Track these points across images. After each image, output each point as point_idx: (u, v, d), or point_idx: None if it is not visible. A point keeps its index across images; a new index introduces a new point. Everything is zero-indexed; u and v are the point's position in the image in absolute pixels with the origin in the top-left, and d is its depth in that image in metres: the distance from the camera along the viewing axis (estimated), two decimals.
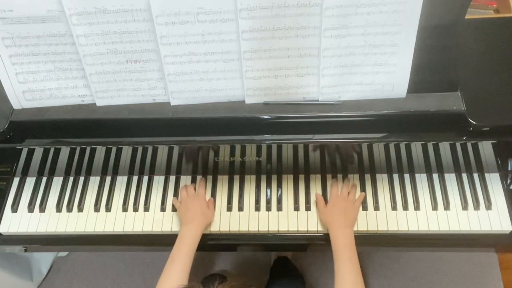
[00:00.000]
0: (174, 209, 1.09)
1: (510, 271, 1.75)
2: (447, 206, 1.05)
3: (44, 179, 1.14)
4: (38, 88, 0.92)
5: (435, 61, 0.90)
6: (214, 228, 1.07)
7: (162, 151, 1.08)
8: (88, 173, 1.14)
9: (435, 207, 1.05)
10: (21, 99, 0.93)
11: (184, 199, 1.07)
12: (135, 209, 1.10)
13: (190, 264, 0.94)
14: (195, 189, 1.10)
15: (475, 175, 1.08)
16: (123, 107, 0.94)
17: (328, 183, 1.10)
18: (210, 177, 1.13)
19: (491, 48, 0.99)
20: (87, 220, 1.09)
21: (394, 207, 1.06)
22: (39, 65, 0.90)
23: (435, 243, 1.06)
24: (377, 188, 1.08)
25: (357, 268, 0.90)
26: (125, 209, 1.10)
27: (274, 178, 1.11)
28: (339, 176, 1.10)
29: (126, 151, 1.09)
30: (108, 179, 1.14)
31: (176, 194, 1.12)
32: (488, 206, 1.04)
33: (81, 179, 1.14)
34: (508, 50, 0.98)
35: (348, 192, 1.07)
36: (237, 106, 0.93)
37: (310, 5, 0.81)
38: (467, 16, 0.89)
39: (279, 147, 1.06)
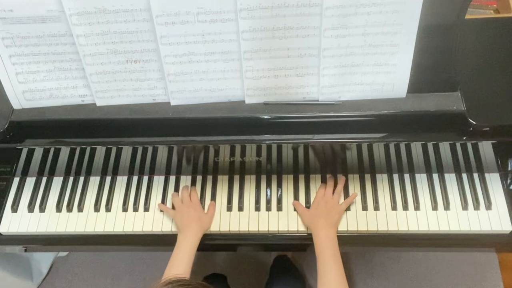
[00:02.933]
0: (173, 208, 1.09)
1: (510, 271, 1.75)
2: (447, 206, 1.05)
3: (44, 179, 1.14)
4: (38, 88, 0.92)
5: (435, 61, 0.90)
6: (214, 228, 1.06)
7: (162, 151, 1.08)
8: (88, 173, 1.14)
9: (435, 207, 1.05)
10: (21, 99, 0.93)
11: (179, 206, 1.06)
12: (135, 209, 1.10)
13: (189, 271, 0.94)
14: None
15: (475, 175, 1.08)
16: (123, 107, 0.94)
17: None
18: (210, 177, 1.13)
19: (491, 48, 0.99)
20: (87, 220, 1.09)
21: (394, 207, 1.06)
22: (39, 65, 0.90)
23: (435, 243, 1.06)
24: (377, 188, 1.08)
25: (340, 268, 0.90)
26: (125, 209, 1.10)
27: (274, 178, 1.11)
28: (339, 176, 1.10)
29: (126, 151, 1.09)
30: (108, 179, 1.14)
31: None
32: (488, 206, 1.04)
33: (81, 179, 1.14)
34: (508, 50, 0.98)
35: (333, 193, 1.06)
36: (237, 106, 0.93)
37: (310, 5, 0.81)
38: (467, 16, 0.89)
39: (279, 147, 1.06)
